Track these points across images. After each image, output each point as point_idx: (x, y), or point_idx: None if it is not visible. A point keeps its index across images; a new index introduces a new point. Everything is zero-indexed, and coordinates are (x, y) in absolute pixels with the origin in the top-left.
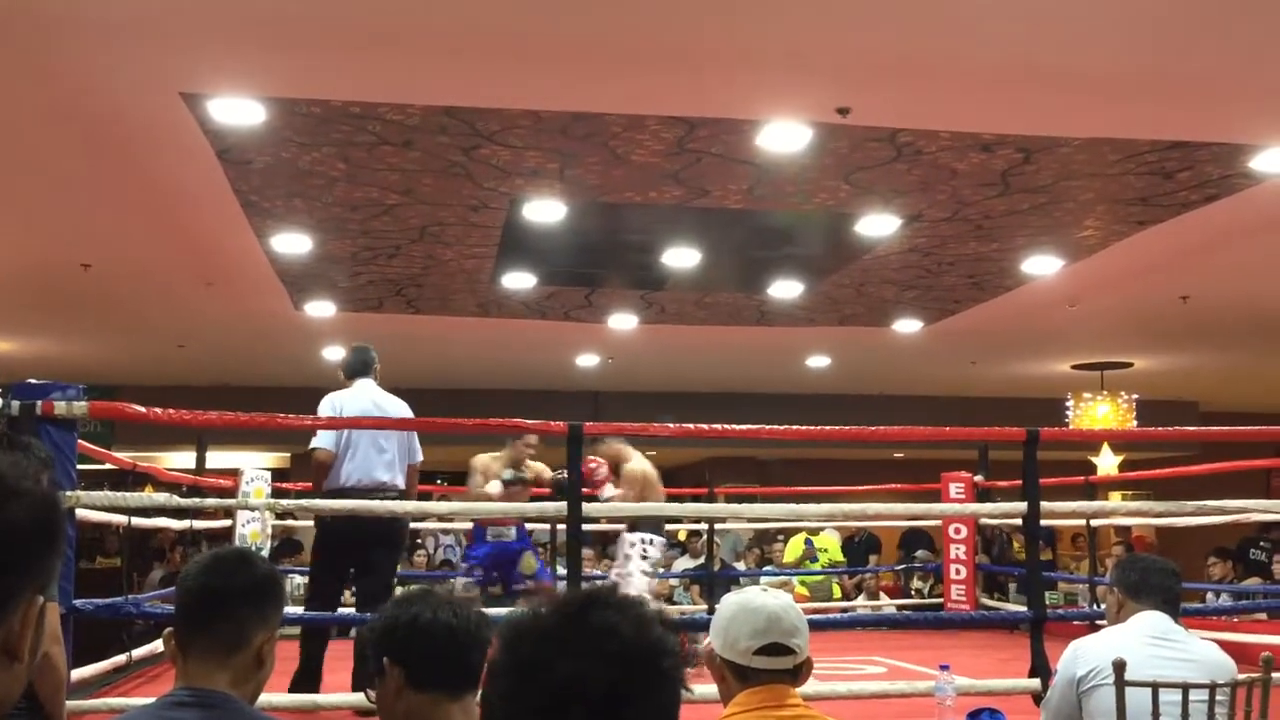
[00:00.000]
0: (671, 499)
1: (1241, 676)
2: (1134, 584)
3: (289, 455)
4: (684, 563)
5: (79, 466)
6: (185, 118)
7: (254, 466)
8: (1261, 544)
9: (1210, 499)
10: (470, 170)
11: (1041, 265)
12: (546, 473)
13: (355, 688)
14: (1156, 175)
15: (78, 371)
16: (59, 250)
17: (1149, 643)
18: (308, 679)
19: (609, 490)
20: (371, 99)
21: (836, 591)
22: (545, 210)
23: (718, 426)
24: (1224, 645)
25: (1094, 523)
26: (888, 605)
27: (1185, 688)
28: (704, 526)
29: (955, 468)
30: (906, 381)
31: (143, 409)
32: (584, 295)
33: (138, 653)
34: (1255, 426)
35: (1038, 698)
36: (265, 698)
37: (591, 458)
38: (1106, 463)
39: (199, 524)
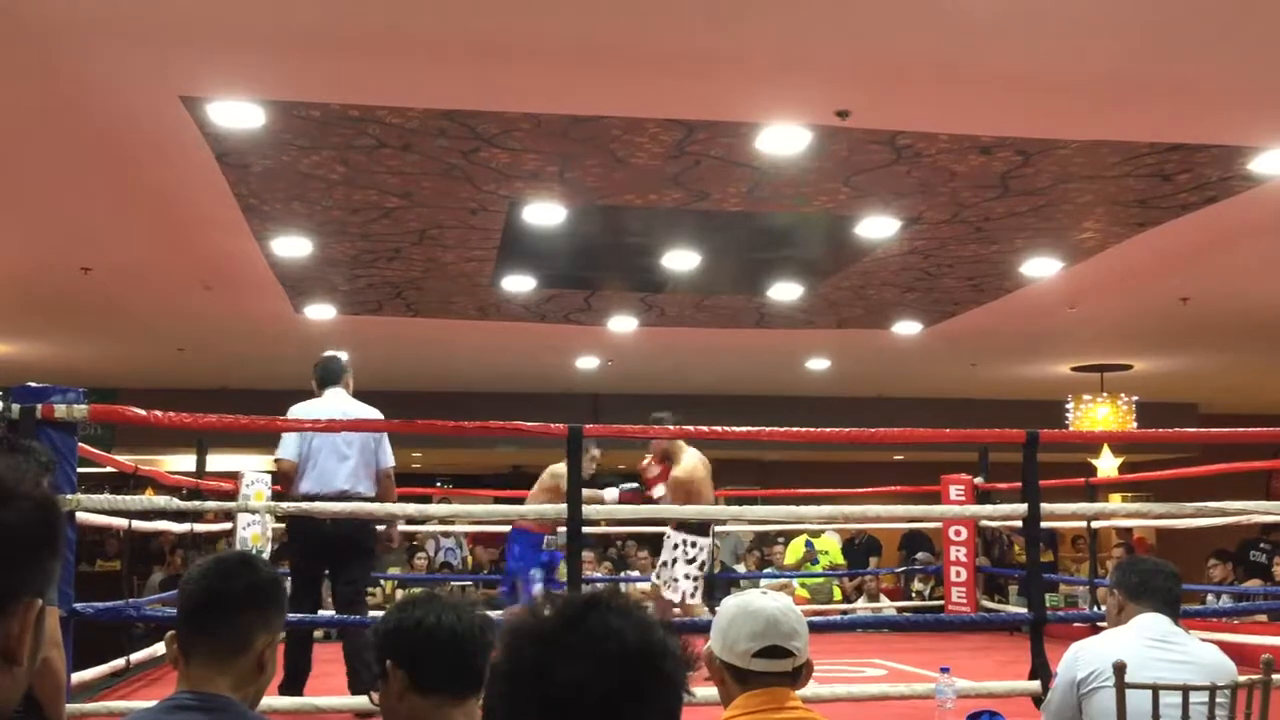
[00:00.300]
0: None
1: (1242, 678)
2: (1134, 586)
3: None
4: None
5: (79, 469)
6: (185, 121)
7: (254, 469)
8: (1262, 545)
9: (1210, 500)
10: (470, 173)
11: (1041, 267)
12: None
13: (353, 691)
14: (1156, 177)
15: (78, 375)
16: (59, 254)
17: (1149, 645)
18: (289, 682)
19: (659, 490)
20: (371, 102)
21: (837, 594)
22: (545, 213)
23: (718, 429)
24: (1224, 647)
25: (1094, 525)
26: (888, 607)
27: (1185, 690)
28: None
29: (955, 470)
30: (906, 384)
31: (143, 412)
32: (584, 298)
33: (137, 656)
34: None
35: (1038, 700)
36: (265, 701)
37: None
38: (1106, 464)
39: (199, 527)
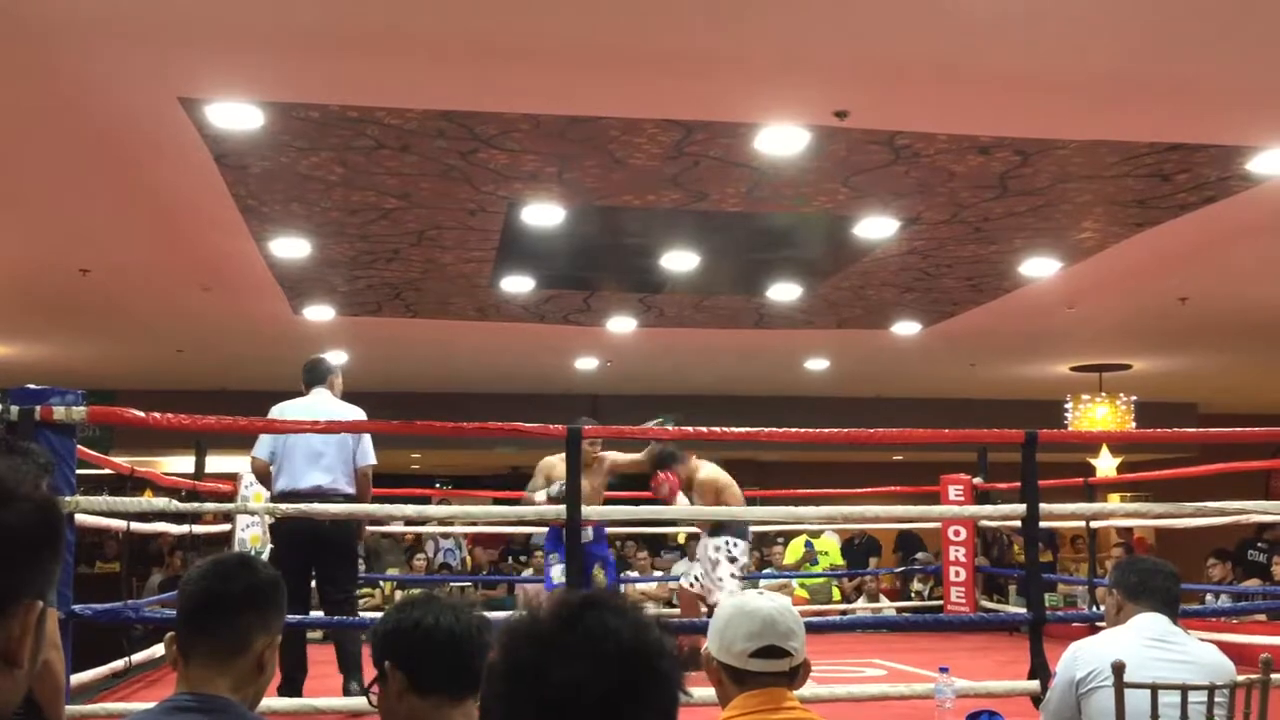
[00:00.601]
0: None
1: (1240, 678)
2: (1133, 586)
3: None
4: (683, 566)
5: (77, 471)
6: (183, 122)
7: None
8: (1259, 545)
9: (1209, 500)
10: (468, 174)
11: (1040, 267)
12: (621, 458)
13: (346, 692)
14: (1154, 177)
15: (76, 376)
16: (57, 255)
17: (1148, 644)
18: (286, 683)
19: (681, 500)
20: (369, 103)
21: (836, 594)
22: (543, 214)
23: (717, 429)
24: (1223, 647)
25: (1093, 524)
26: (887, 608)
27: (1184, 689)
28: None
29: (954, 470)
30: (905, 384)
31: (141, 414)
32: (582, 298)
33: (137, 658)
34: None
35: (1037, 700)
36: (263, 702)
37: (661, 474)
38: (1105, 464)
39: (198, 528)
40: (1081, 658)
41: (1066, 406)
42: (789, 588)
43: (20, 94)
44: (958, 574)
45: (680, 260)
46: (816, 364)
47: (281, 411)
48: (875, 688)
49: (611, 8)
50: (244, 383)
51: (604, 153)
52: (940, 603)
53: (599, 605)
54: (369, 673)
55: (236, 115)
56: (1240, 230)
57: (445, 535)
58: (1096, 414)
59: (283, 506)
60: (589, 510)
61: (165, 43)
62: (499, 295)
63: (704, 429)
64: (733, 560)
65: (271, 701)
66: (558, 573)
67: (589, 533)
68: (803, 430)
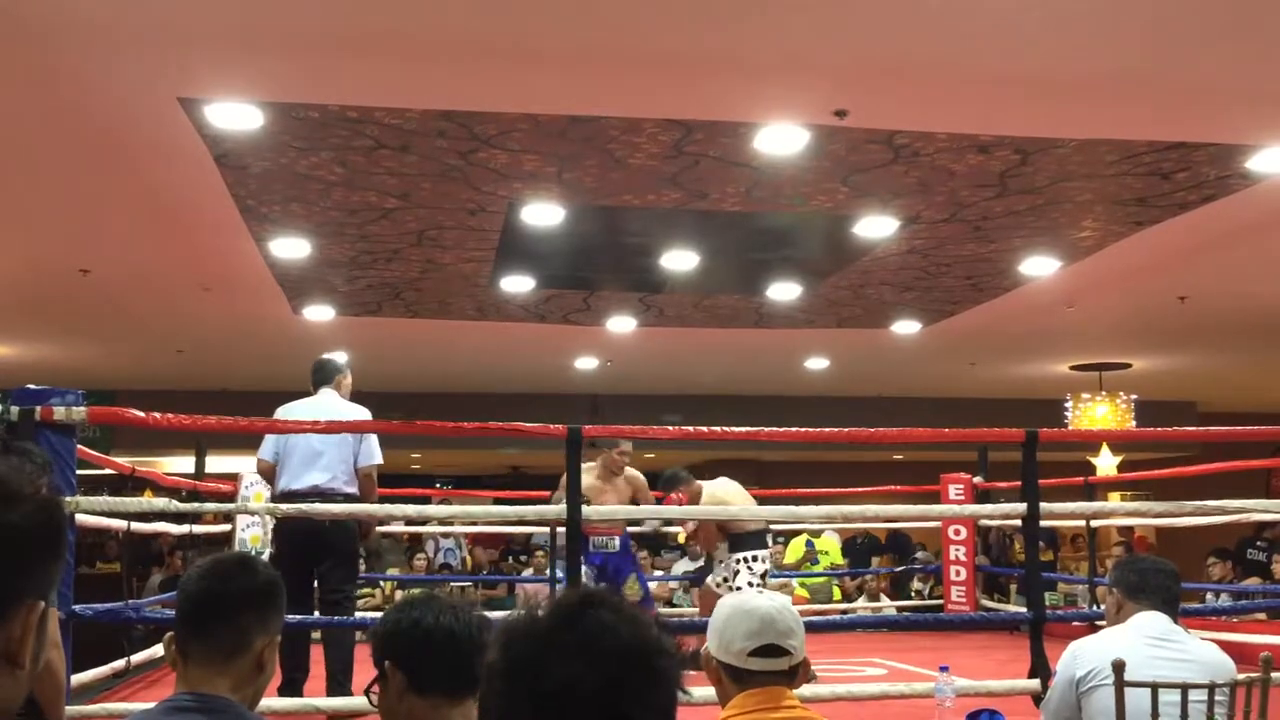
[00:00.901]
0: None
1: (1241, 676)
2: (1133, 585)
3: None
4: (683, 565)
5: (78, 471)
6: (183, 122)
7: (254, 471)
8: (1259, 543)
9: (1209, 499)
10: (468, 174)
11: (1039, 266)
12: (641, 479)
13: (329, 692)
14: (1154, 176)
15: (76, 376)
16: (57, 255)
17: (1148, 643)
18: (286, 684)
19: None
20: (369, 103)
21: (837, 593)
22: (543, 213)
23: (717, 429)
24: (1223, 645)
25: (1093, 523)
26: (888, 607)
27: (1184, 688)
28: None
29: (955, 469)
30: (905, 383)
31: (142, 414)
32: (582, 298)
33: (137, 658)
34: (1254, 426)
35: (1037, 699)
36: (263, 702)
37: (674, 494)
38: (1105, 463)
39: (198, 529)
40: (1082, 657)
41: (1066, 405)
42: (789, 587)
43: (20, 94)
44: (958, 573)
45: (680, 260)
46: (816, 363)
47: (287, 412)
48: (875, 687)
49: (611, 8)
50: (244, 383)
51: (604, 152)
52: (940, 602)
53: (597, 604)
54: (363, 676)
55: (236, 115)
56: (1240, 229)
57: (445, 535)
58: (1096, 413)
59: (283, 506)
60: (589, 511)
61: (165, 43)
62: (499, 295)
63: (704, 429)
64: (751, 569)
65: (271, 701)
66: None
67: (615, 543)
68: (803, 430)
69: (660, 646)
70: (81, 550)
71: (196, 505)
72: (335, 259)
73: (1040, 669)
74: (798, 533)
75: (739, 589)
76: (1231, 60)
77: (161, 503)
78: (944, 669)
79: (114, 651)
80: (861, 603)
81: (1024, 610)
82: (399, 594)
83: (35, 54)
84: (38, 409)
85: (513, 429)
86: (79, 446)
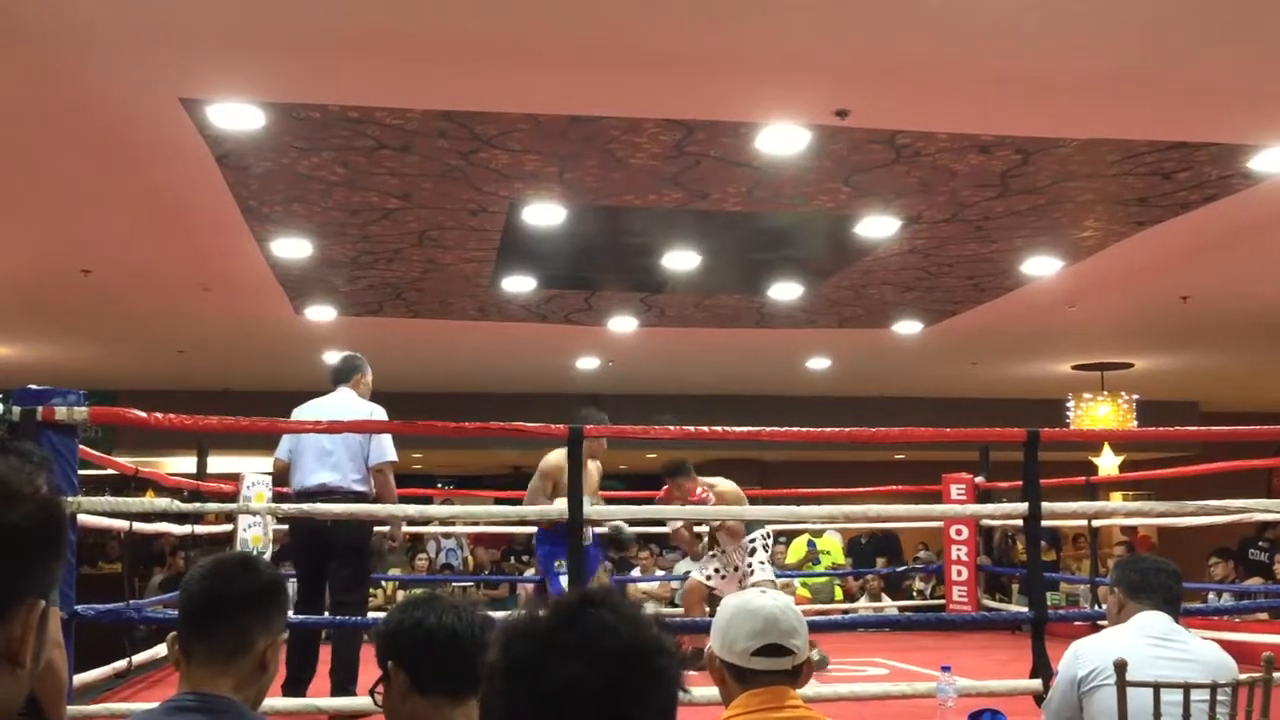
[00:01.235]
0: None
1: (1243, 676)
2: (1135, 584)
3: None
4: (685, 565)
5: (80, 472)
6: (184, 123)
7: (255, 471)
8: (1260, 543)
9: (1211, 499)
10: (469, 174)
11: (1041, 266)
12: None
13: (334, 692)
14: (1155, 176)
15: (78, 377)
16: (59, 256)
17: (1150, 643)
18: (290, 683)
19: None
20: (370, 103)
21: (838, 593)
22: (544, 214)
23: (718, 429)
24: (1225, 645)
25: (1095, 523)
26: (889, 606)
27: (1187, 688)
28: (705, 529)
29: (956, 469)
30: (907, 383)
31: (144, 414)
32: (584, 298)
33: (139, 658)
34: (1256, 426)
35: (1039, 698)
36: (267, 702)
37: (701, 488)
38: (1107, 463)
39: (200, 529)
40: (1083, 656)
41: (1068, 405)
42: (791, 587)
43: (21, 95)
44: (960, 573)
45: (681, 260)
46: (818, 363)
47: (302, 411)
48: (877, 686)
49: (611, 8)
50: (246, 383)
51: (605, 152)
52: (942, 602)
53: (598, 603)
54: (367, 676)
55: (238, 116)
56: (1241, 228)
57: (447, 535)
58: (1098, 412)
59: (284, 507)
60: (590, 510)
61: (166, 43)
62: (500, 295)
63: (705, 429)
64: (766, 549)
65: (274, 701)
66: (566, 581)
67: (588, 534)
68: (804, 429)
69: (660, 646)
70: (83, 550)
71: (198, 505)
72: (336, 259)
73: (1042, 669)
74: (799, 533)
75: (764, 565)
76: (1233, 60)
77: (163, 503)
78: (946, 669)
79: (116, 651)
80: (863, 602)
81: (1026, 610)
82: (400, 594)
83: (36, 54)
84: (39, 409)
85: (514, 429)
86: (81, 447)
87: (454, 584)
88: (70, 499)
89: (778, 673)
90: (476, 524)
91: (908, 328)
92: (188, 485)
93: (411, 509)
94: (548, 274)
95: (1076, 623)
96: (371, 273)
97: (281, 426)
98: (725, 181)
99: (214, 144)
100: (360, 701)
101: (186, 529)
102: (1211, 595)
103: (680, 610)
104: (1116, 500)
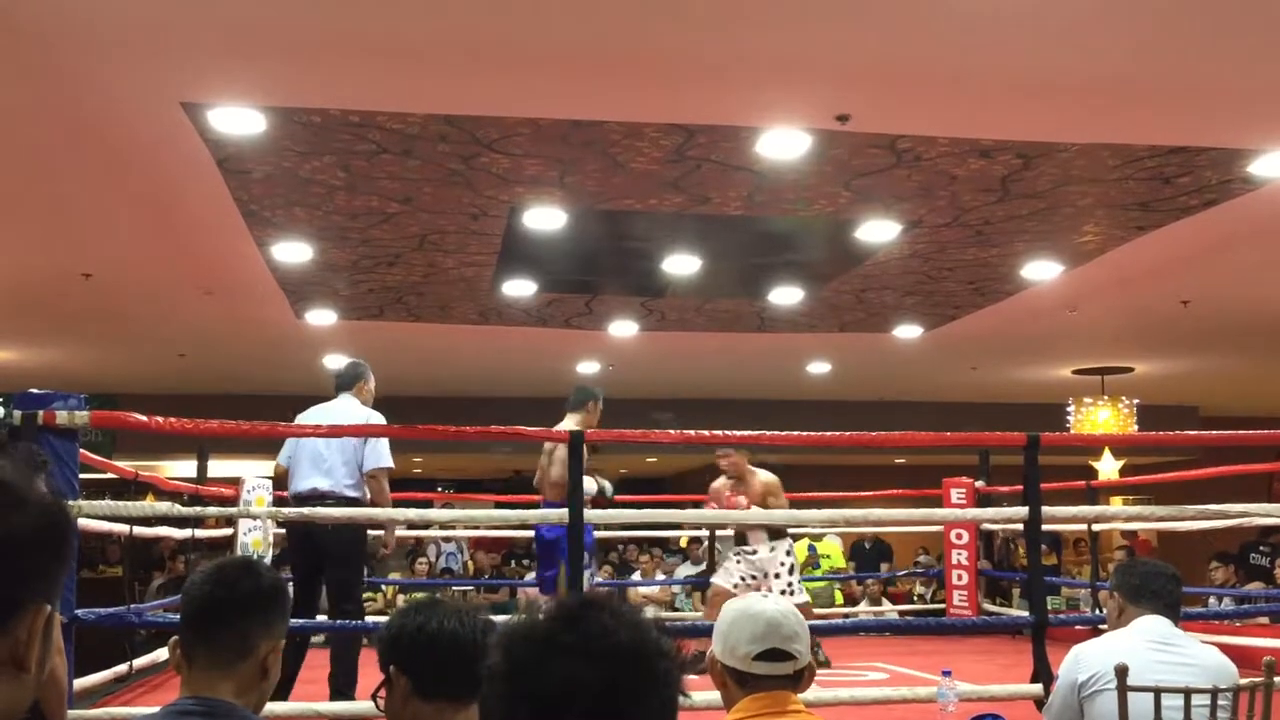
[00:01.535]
0: (672, 505)
1: (1244, 681)
2: (1135, 588)
3: None
4: (685, 569)
5: (80, 475)
6: (186, 127)
7: (256, 475)
8: (1261, 548)
9: (1211, 503)
10: (470, 178)
11: (1041, 270)
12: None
13: (333, 696)
14: (1155, 180)
15: (78, 381)
16: (59, 259)
17: (1150, 647)
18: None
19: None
20: (371, 108)
21: (838, 597)
22: (545, 218)
23: (718, 432)
24: (1226, 650)
25: (1096, 528)
26: (890, 611)
27: (1188, 693)
28: (705, 533)
29: (957, 473)
30: (907, 387)
31: (144, 418)
32: (584, 302)
33: (140, 662)
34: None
35: (1040, 703)
36: (266, 706)
37: (731, 493)
38: (1108, 467)
39: (200, 533)
40: (1084, 661)
41: (1068, 409)
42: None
43: (23, 99)
44: (960, 577)
45: (682, 264)
46: (818, 367)
47: (304, 417)
48: (878, 691)
49: (612, 12)
50: (246, 387)
51: (605, 157)
52: (943, 606)
53: (598, 606)
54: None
55: (239, 120)
56: (1242, 233)
57: (447, 539)
58: (1098, 417)
59: (284, 511)
60: (591, 514)
61: (168, 47)
62: (501, 299)
63: (705, 432)
64: (789, 554)
65: (275, 706)
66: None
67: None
68: (804, 433)
69: (660, 649)
70: (83, 554)
71: (199, 509)
72: (337, 263)
73: (1043, 673)
74: (799, 537)
75: (793, 585)
76: (1233, 64)
77: (164, 507)
78: (946, 673)
79: (116, 656)
80: (863, 606)
81: (1026, 614)
82: (400, 598)
83: (38, 58)
84: (40, 413)
85: (515, 433)
86: (81, 451)
87: (454, 588)
88: (70, 503)
89: (779, 677)
90: (477, 528)
91: (908, 332)
92: (188, 489)
93: (411, 513)
94: (548, 278)
95: (1077, 627)
96: (372, 277)
97: (282, 431)
98: (726, 186)
99: (215, 148)
100: (362, 706)
101: (187, 533)
102: (1212, 599)
103: (679, 614)
104: (1117, 505)
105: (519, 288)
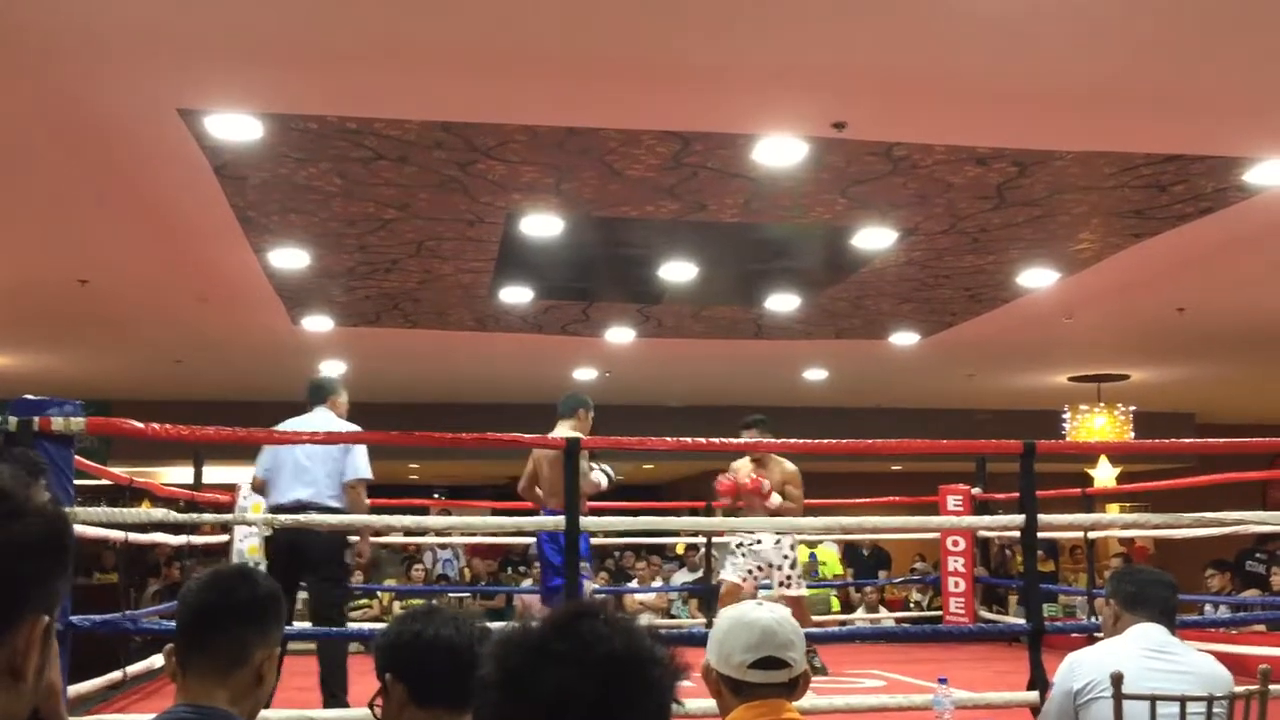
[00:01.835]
0: (669, 513)
1: (1239, 689)
2: (1130, 596)
3: None
4: (682, 576)
5: (75, 482)
6: (182, 133)
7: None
8: (1258, 555)
9: (1207, 510)
10: (466, 185)
11: (1037, 278)
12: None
13: (325, 705)
14: (1151, 188)
15: (75, 386)
16: (56, 265)
17: (1145, 655)
18: None
19: (776, 499)
20: (368, 114)
21: (835, 604)
22: (542, 225)
23: (715, 440)
24: (1222, 657)
25: (1092, 535)
26: (886, 618)
27: (1183, 700)
28: (702, 540)
29: (953, 480)
30: (904, 394)
31: (140, 424)
32: (581, 309)
33: (134, 668)
34: (1251, 438)
35: (1036, 710)
36: (262, 714)
37: (754, 475)
38: (1104, 475)
39: (196, 539)
40: (1079, 668)
41: (1065, 417)
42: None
43: (19, 104)
44: (957, 584)
45: (679, 271)
46: (815, 374)
47: (281, 429)
48: (874, 699)
49: (609, 20)
50: (242, 393)
51: (602, 164)
52: (939, 613)
53: (591, 614)
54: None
55: (235, 126)
56: (1237, 241)
57: (443, 546)
58: (1095, 424)
59: (281, 518)
60: (587, 522)
61: (164, 54)
62: (497, 306)
63: (703, 440)
64: (793, 548)
65: (269, 713)
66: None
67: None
68: (801, 441)
69: (654, 656)
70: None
71: (194, 516)
72: (334, 269)
73: (1039, 681)
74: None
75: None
76: (1229, 73)
77: (159, 513)
78: (942, 681)
79: (111, 662)
80: (860, 614)
81: (1023, 622)
82: (396, 605)
83: (34, 64)
84: (36, 419)
85: (511, 440)
86: (76, 457)
87: (450, 595)
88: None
89: (774, 685)
90: (473, 535)
91: (904, 339)
92: (183, 496)
93: (408, 519)
94: (545, 285)
95: (1073, 634)
96: (369, 283)
97: (278, 438)
98: (722, 193)
99: (212, 154)
100: (358, 713)
101: (182, 539)
102: (1208, 607)
103: (675, 621)
104: (1113, 512)
105: (516, 294)
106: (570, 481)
